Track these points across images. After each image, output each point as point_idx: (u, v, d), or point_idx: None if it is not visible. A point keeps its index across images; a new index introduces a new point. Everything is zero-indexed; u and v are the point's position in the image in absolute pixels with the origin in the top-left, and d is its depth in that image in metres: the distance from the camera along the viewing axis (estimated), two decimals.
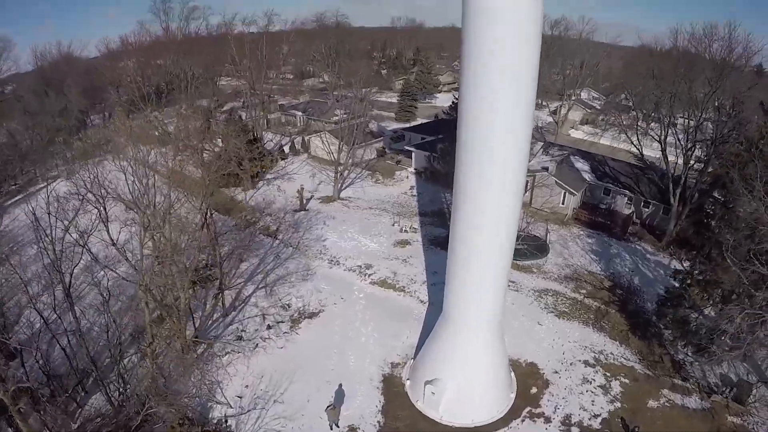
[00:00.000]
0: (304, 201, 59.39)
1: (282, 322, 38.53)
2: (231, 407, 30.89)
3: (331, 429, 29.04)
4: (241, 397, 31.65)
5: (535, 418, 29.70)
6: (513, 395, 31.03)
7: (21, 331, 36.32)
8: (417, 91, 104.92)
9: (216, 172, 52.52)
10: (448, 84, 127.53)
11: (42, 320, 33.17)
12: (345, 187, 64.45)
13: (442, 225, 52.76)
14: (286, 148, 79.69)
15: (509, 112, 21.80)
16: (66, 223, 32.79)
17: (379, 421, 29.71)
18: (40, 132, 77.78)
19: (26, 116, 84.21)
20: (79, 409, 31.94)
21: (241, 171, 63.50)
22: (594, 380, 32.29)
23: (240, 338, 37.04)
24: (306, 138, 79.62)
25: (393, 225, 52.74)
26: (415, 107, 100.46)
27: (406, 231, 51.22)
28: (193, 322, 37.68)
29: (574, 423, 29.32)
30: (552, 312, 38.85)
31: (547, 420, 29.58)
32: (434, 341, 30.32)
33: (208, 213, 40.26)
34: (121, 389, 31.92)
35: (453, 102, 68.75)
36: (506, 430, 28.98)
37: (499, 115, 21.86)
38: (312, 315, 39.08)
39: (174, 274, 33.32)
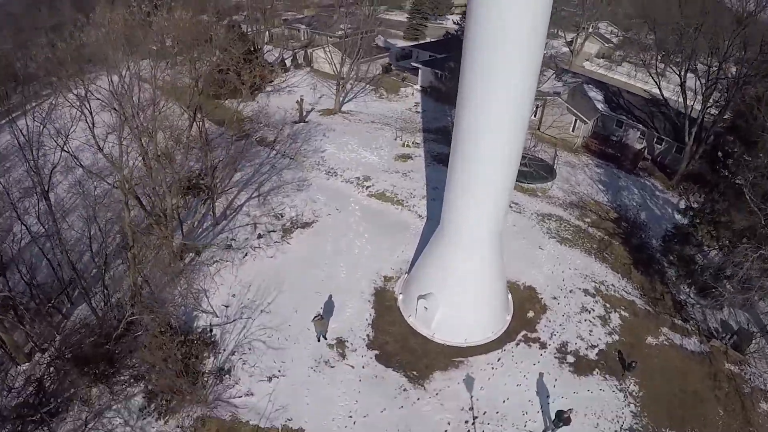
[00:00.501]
0: (304, 113, 56.08)
1: (273, 231, 36.35)
2: (216, 316, 29.21)
3: (318, 341, 27.28)
4: (227, 306, 29.92)
5: (531, 343, 27.91)
6: (509, 318, 29.19)
7: (8, 246, 34.43)
8: (428, 10, 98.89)
9: (209, 75, 49.30)
10: (462, 6, 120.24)
11: (26, 230, 31.12)
12: (347, 101, 61.11)
13: (446, 142, 49.71)
14: (288, 62, 75.56)
15: (520, 17, 19.06)
16: (45, 124, 30.23)
17: (368, 335, 27.93)
18: (33, 50, 73.57)
19: (19, 35, 79.46)
20: (65, 321, 30.48)
21: (238, 80, 59.94)
22: (593, 310, 30.32)
23: (229, 247, 34.99)
24: (309, 51, 75.27)
25: (395, 139, 49.82)
26: (425, 26, 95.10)
27: (408, 145, 48.35)
28: (182, 230, 35.54)
29: (570, 351, 27.53)
30: (554, 237, 36.50)
31: (543, 346, 27.78)
32: (429, 255, 28.13)
33: (198, 116, 37.38)
34: (105, 299, 30.15)
35: (463, 11, 63.81)
36: (500, 352, 27.21)
37: (510, 19, 19.09)
38: (305, 225, 36.83)
39: (161, 177, 30.93)
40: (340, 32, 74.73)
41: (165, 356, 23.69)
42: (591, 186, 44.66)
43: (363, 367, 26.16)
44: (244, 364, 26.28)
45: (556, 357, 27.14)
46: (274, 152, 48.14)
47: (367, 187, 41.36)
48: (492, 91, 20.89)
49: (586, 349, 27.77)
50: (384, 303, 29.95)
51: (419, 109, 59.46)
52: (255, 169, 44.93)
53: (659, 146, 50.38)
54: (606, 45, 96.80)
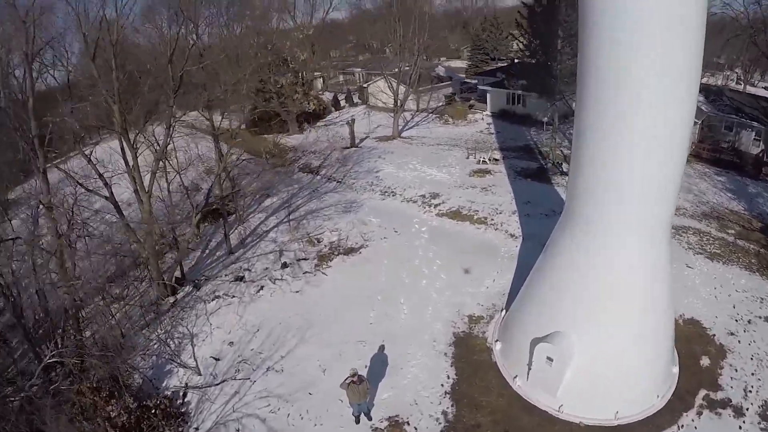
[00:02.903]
0: (357, 139, 45.56)
1: (305, 259, 24.87)
2: (199, 374, 17.58)
3: (357, 422, 14.97)
4: (217, 360, 18.41)
5: (719, 409, 15.38)
6: (676, 370, 16.70)
7: None
8: (488, 47, 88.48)
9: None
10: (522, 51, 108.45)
11: None
12: (408, 129, 50.51)
13: (531, 159, 37.94)
14: (343, 101, 66.34)
15: None
16: None
17: (445, 411, 15.58)
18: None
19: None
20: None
21: (282, 109, 50.58)
22: None
23: (241, 279, 23.72)
24: (365, 86, 65.79)
25: (467, 158, 38.29)
26: (487, 63, 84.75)
27: (485, 162, 36.72)
28: (180, 262, 24.72)
29: None
30: (701, 253, 24.38)
31: (738, 411, 15.25)
32: (544, 278, 16.07)
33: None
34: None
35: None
36: (675, 430, 14.65)
37: None
38: (350, 251, 25.32)
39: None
40: (396, 70, 65.32)
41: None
42: (719, 195, 32.53)
43: None
44: None
45: (761, 428, 14.79)
46: (318, 177, 37.41)
47: (436, 206, 29.74)
48: None
49: None
50: (470, 357, 17.63)
51: (492, 130, 48.01)
52: (292, 193, 34.13)
53: None
54: None
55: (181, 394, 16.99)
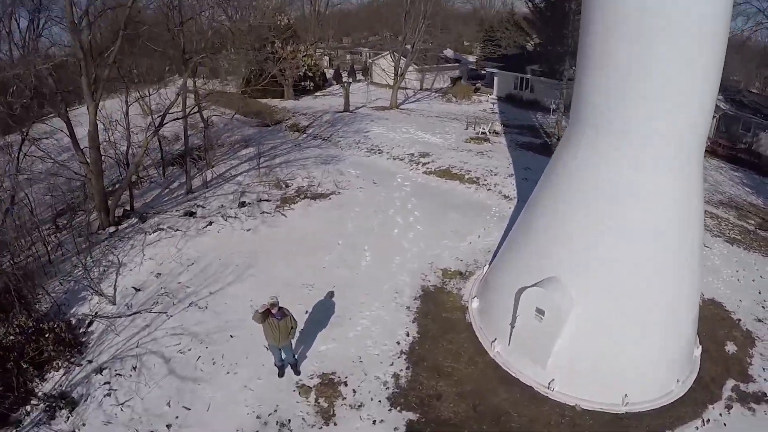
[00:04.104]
0: (351, 105, 41.86)
1: (267, 200, 21.16)
2: (113, 303, 13.87)
3: (280, 375, 11.21)
4: (138, 290, 14.58)
5: (751, 403, 11.89)
6: (698, 352, 13.14)
7: None
8: (502, 42, 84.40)
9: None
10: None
11: None
12: (408, 102, 46.77)
13: (535, 136, 34.30)
14: (345, 75, 62.55)
15: None
16: None
17: (397, 375, 11.95)
18: None
19: None
20: None
21: (279, 73, 46.74)
22: None
23: (191, 214, 20.01)
24: (369, 62, 62.04)
25: (466, 129, 34.56)
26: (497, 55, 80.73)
27: (485, 133, 32.88)
28: (131, 195, 21.16)
29: None
30: (719, 236, 21.13)
31: None
32: (541, 207, 12.34)
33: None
34: None
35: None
36: (701, 427, 11.16)
37: None
38: (318, 196, 21.56)
39: None
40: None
41: None
42: (736, 187, 29.21)
43: None
44: (108, 395, 10.84)
45: None
46: (305, 135, 33.78)
47: (425, 164, 26.09)
48: None
49: None
50: (439, 314, 13.96)
51: (496, 110, 44.22)
52: (273, 145, 30.54)
53: None
54: None
55: (86, 322, 13.39)
